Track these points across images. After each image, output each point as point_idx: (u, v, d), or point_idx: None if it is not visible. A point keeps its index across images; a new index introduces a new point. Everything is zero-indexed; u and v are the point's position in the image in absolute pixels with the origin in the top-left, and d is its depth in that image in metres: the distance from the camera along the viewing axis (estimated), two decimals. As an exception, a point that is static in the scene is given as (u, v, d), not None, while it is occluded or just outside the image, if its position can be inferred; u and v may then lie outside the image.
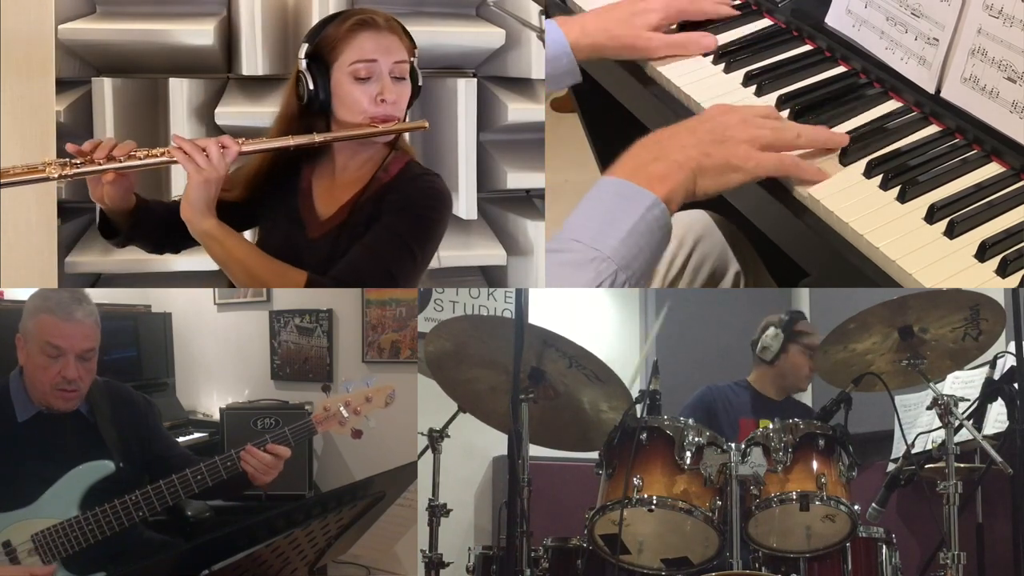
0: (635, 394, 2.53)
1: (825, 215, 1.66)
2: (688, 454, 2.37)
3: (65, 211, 3.01)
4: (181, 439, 3.79)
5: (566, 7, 2.35)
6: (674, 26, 2.14)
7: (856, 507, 2.37)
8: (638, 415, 2.50)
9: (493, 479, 3.90)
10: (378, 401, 2.27)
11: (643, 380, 4.17)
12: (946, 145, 1.76)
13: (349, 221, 2.08)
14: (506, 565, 2.34)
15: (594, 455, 2.52)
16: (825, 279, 1.70)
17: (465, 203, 3.17)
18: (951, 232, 1.59)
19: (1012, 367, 2.37)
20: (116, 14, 3.07)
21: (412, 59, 2.11)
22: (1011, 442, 2.29)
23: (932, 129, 1.81)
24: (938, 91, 1.81)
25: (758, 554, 2.40)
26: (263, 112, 2.94)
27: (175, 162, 1.98)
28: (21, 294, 3.20)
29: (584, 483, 2.61)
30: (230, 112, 3.00)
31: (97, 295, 2.43)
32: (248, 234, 2.25)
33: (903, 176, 1.69)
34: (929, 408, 2.46)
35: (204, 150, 1.95)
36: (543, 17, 2.49)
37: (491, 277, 3.46)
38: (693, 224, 2.40)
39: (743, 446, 2.41)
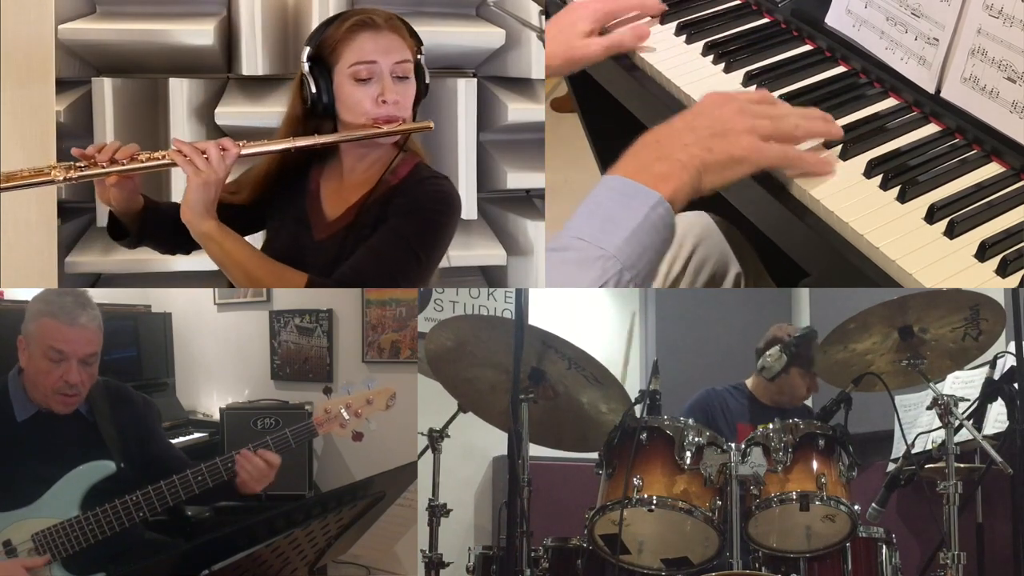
0: (633, 394, 2.53)
1: (825, 215, 1.66)
2: (688, 454, 2.37)
3: (65, 211, 3.01)
4: (181, 439, 3.79)
5: (566, 7, 2.35)
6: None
7: (856, 507, 2.37)
8: (638, 415, 2.50)
9: (493, 479, 3.90)
10: (379, 403, 2.27)
11: (632, 380, 4.20)
12: (946, 145, 1.76)
13: (356, 223, 2.06)
14: (506, 565, 2.34)
15: (594, 455, 2.52)
16: (825, 279, 1.69)
17: (465, 203, 3.13)
18: (951, 232, 1.59)
19: (1012, 367, 2.37)
20: (116, 14, 3.07)
21: (417, 57, 2.09)
22: (1011, 442, 2.29)
23: (932, 129, 1.81)
24: (938, 91, 1.80)
25: (758, 554, 2.40)
26: (263, 112, 2.94)
27: (177, 164, 1.98)
28: (21, 294, 3.20)
29: (584, 483, 2.61)
30: (230, 112, 3.00)
31: (97, 295, 2.42)
32: (255, 237, 2.24)
33: (903, 176, 1.69)
34: (929, 408, 2.47)
35: (204, 152, 1.94)
36: (543, 17, 2.48)
37: (491, 277, 3.46)
38: (693, 225, 2.40)
39: (743, 446, 2.41)
